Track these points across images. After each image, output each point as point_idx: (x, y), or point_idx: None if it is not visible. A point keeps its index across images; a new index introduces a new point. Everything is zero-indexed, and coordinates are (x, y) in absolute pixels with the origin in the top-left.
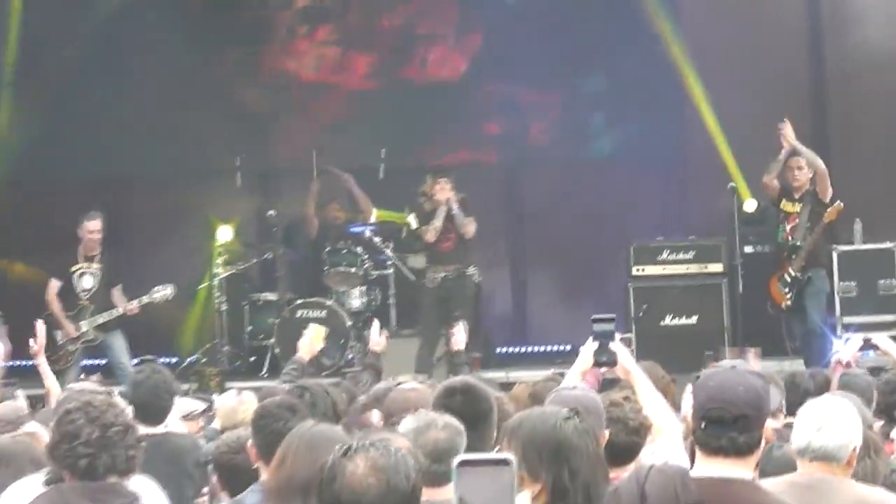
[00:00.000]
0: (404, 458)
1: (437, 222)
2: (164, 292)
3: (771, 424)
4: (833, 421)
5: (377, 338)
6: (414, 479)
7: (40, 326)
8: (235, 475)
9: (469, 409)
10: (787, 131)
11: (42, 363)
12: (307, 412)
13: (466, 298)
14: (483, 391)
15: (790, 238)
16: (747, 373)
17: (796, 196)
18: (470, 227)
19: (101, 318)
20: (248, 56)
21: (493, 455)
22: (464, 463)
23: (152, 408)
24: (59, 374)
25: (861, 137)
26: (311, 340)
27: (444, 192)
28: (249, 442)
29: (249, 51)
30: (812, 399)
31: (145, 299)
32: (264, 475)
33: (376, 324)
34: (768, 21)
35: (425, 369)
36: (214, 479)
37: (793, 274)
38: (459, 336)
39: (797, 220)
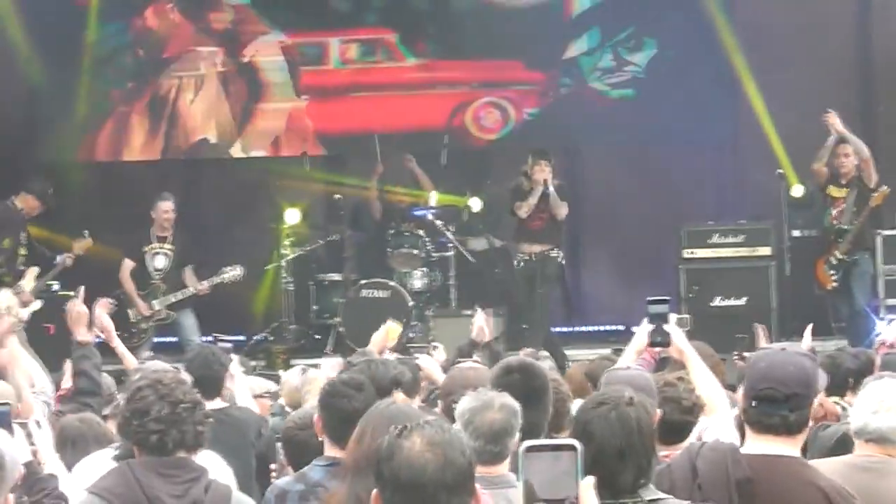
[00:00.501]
0: (458, 435)
1: (532, 200)
2: (233, 273)
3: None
4: (890, 403)
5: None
6: (469, 455)
7: (100, 311)
8: (302, 451)
9: (525, 386)
10: (834, 120)
11: (118, 345)
12: (373, 389)
13: (549, 278)
14: (539, 369)
15: (836, 222)
16: (797, 353)
17: (843, 181)
18: (562, 210)
19: (173, 298)
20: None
21: (558, 441)
22: (531, 448)
23: (206, 380)
24: (132, 352)
25: None
26: (386, 336)
27: (542, 172)
28: (315, 416)
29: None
30: (856, 378)
31: (216, 280)
32: (329, 450)
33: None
34: (816, 7)
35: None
36: (282, 454)
37: (839, 257)
38: (479, 325)
39: (843, 205)
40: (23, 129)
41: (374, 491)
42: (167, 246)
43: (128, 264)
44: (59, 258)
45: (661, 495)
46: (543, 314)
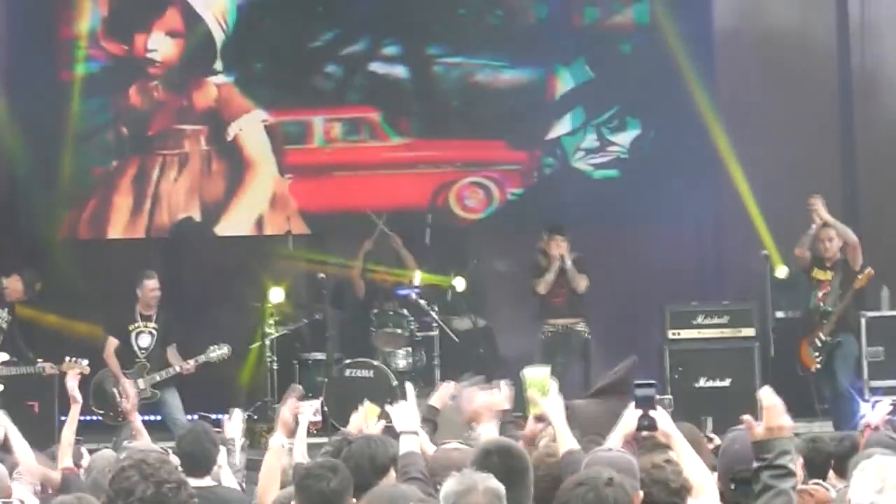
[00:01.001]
0: None
1: (550, 276)
2: (219, 352)
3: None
4: (894, 481)
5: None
6: None
7: (130, 387)
8: None
9: (506, 468)
10: (818, 205)
11: (136, 420)
12: (348, 472)
13: (572, 351)
14: (519, 450)
15: (822, 304)
16: None
17: (828, 265)
18: (581, 283)
19: (158, 377)
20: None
21: None
22: None
23: (197, 458)
24: (114, 430)
25: (890, 207)
26: (365, 418)
27: (558, 248)
28: (293, 502)
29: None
30: (838, 461)
31: (202, 359)
32: None
33: (409, 387)
34: (799, 87)
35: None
36: None
37: (823, 338)
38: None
39: (829, 288)
40: (4, 205)
41: None
42: (151, 325)
43: (112, 342)
44: (39, 366)
45: None
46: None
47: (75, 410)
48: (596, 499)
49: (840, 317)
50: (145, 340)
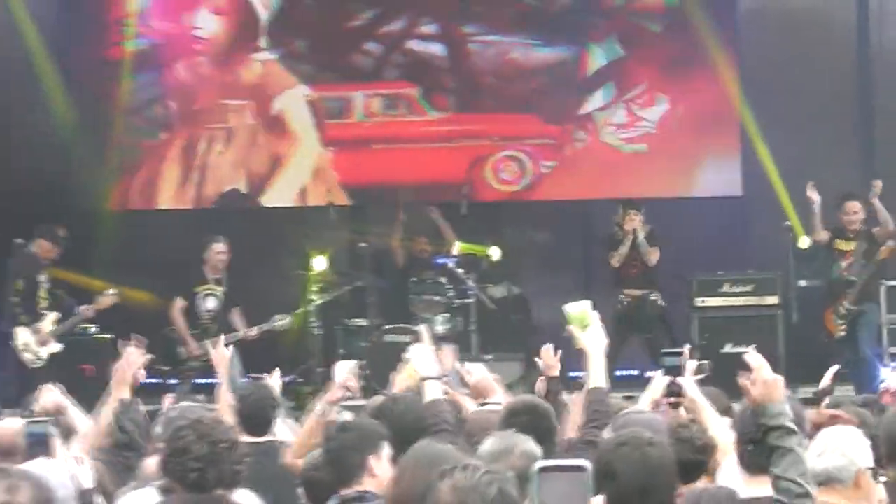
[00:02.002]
0: (487, 482)
1: (624, 249)
2: (283, 321)
3: None
4: (833, 445)
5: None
6: (493, 499)
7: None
8: (316, 490)
9: (533, 427)
10: (812, 193)
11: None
12: (387, 432)
13: (646, 320)
14: (546, 410)
15: (846, 273)
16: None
17: (850, 235)
18: (653, 256)
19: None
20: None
21: (570, 461)
22: (543, 469)
23: (257, 419)
24: (176, 389)
25: None
26: (407, 376)
27: (632, 222)
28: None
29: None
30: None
31: (265, 327)
32: (343, 489)
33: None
34: (820, 64)
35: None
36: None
37: (847, 307)
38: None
39: (852, 258)
40: (57, 177)
41: None
42: (220, 288)
43: (179, 303)
44: (79, 309)
45: None
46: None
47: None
48: (641, 458)
49: (863, 287)
50: (212, 303)
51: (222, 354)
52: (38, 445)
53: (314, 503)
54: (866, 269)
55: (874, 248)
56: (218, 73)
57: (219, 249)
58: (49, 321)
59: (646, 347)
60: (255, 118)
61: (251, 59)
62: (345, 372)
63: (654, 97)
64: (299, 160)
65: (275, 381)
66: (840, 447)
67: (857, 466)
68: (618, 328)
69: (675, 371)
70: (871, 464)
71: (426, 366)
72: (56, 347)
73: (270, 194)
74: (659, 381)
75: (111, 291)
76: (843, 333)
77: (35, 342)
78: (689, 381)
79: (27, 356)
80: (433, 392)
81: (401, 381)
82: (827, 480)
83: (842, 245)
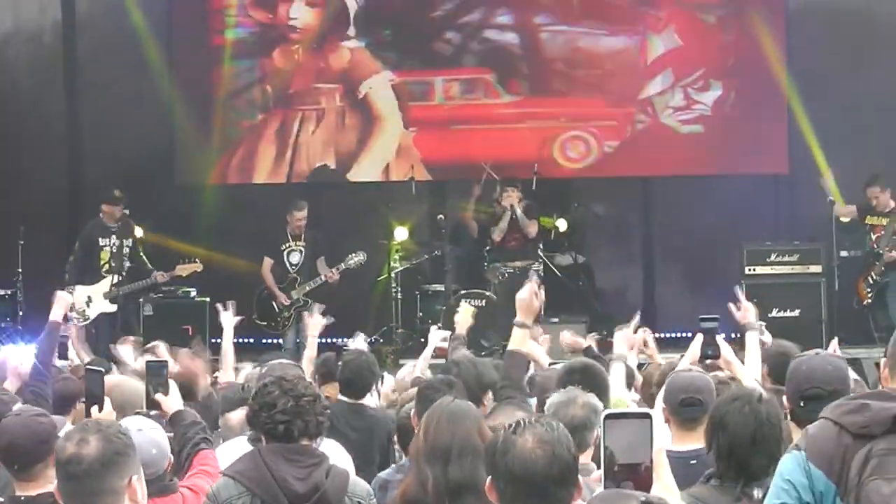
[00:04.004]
0: (564, 433)
1: (503, 224)
2: (357, 258)
3: None
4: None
5: None
6: (574, 451)
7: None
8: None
9: (587, 384)
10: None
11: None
12: (462, 387)
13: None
14: (600, 371)
15: (875, 246)
16: (829, 355)
17: (881, 210)
18: (532, 228)
19: (308, 286)
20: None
21: (634, 410)
22: (611, 416)
23: (356, 384)
24: (281, 337)
25: None
26: (467, 316)
27: (509, 198)
28: (412, 411)
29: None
30: None
31: (342, 266)
32: None
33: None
34: (863, 52)
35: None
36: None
37: (875, 277)
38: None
39: (882, 231)
40: (163, 155)
41: (489, 479)
42: (300, 243)
43: (268, 262)
44: (154, 274)
45: None
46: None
47: (226, 320)
48: (751, 412)
49: (890, 259)
50: (295, 257)
51: (317, 321)
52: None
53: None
54: (892, 242)
55: None
56: (310, 59)
57: (299, 216)
58: (105, 283)
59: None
60: (344, 101)
61: (341, 47)
62: (437, 338)
63: (708, 83)
64: (384, 139)
65: (357, 342)
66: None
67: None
68: (502, 297)
69: (712, 333)
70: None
71: (524, 312)
72: (107, 308)
73: (357, 170)
74: (697, 343)
75: (194, 261)
76: (870, 300)
77: (84, 302)
78: (724, 343)
79: (71, 314)
80: (517, 342)
81: (462, 321)
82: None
83: (872, 220)
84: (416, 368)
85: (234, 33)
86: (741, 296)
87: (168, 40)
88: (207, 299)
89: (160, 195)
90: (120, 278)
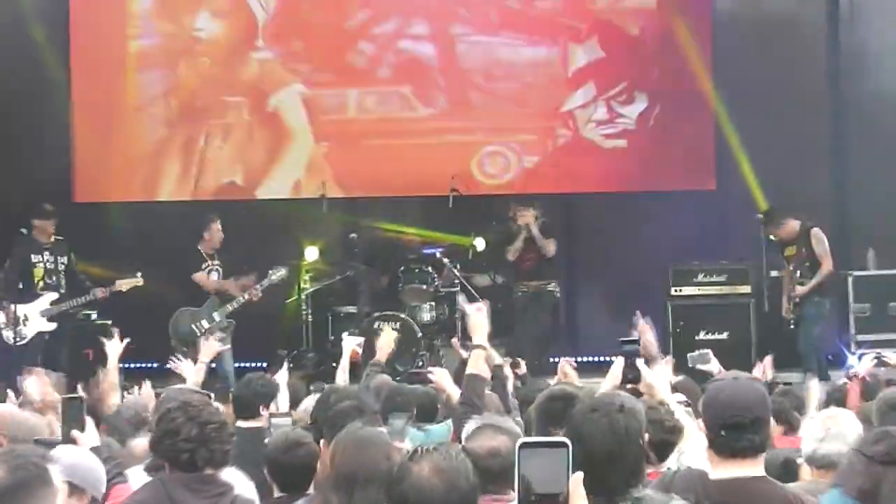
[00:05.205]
0: (464, 462)
1: (518, 243)
2: (279, 273)
3: None
4: (836, 431)
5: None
6: (473, 481)
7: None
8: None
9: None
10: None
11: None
12: (374, 414)
13: (541, 310)
14: (580, 398)
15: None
16: (748, 379)
17: (789, 240)
18: (550, 247)
19: (232, 306)
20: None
21: (550, 438)
22: (525, 445)
23: (249, 405)
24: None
25: (876, 174)
26: (386, 343)
27: (524, 218)
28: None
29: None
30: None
31: (265, 283)
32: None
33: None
34: (791, 62)
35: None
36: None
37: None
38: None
39: (795, 262)
40: (64, 172)
41: None
42: (216, 262)
43: (201, 275)
44: (95, 291)
45: (648, 492)
46: (544, 343)
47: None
48: (608, 424)
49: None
50: (215, 277)
51: (211, 347)
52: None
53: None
54: (800, 277)
55: (814, 264)
56: (217, 71)
57: (217, 228)
58: (44, 301)
59: (540, 336)
60: (253, 115)
61: (249, 59)
62: (352, 343)
63: (632, 95)
64: (294, 155)
65: (282, 375)
66: (841, 433)
67: None
68: (518, 317)
69: (632, 357)
70: None
71: (477, 333)
72: (45, 326)
73: (266, 187)
74: (618, 366)
75: (138, 275)
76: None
77: (13, 321)
78: (644, 367)
79: (7, 333)
80: (476, 362)
81: (383, 346)
82: (827, 465)
83: (789, 251)
84: (337, 378)
85: (138, 45)
86: (640, 322)
87: (66, 53)
88: (109, 322)
89: (60, 213)
90: (58, 296)
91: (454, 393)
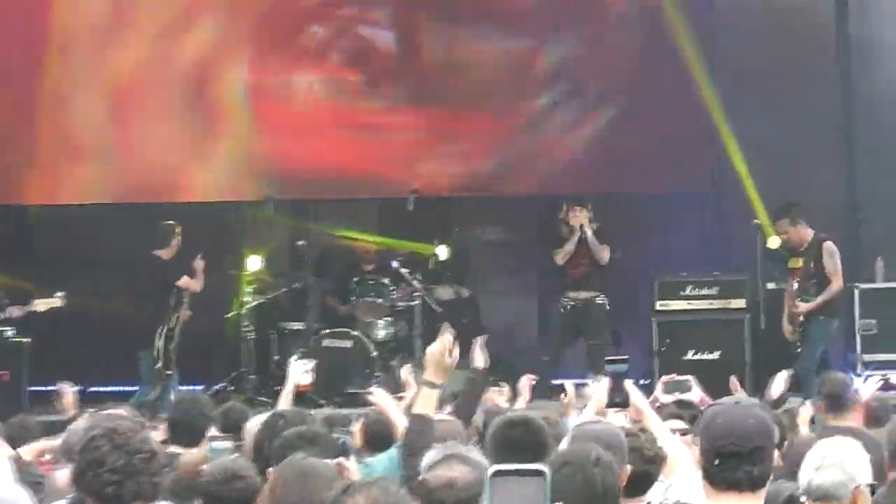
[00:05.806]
0: (403, 495)
1: (569, 246)
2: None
3: None
4: (832, 460)
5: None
6: None
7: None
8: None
9: (529, 440)
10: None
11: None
12: (329, 444)
13: (591, 325)
14: (540, 424)
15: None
16: (752, 406)
17: (797, 249)
18: (604, 254)
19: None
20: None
21: (525, 466)
22: (498, 473)
23: (187, 429)
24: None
25: (887, 178)
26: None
27: (577, 218)
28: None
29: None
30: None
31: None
32: None
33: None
34: (796, 58)
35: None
36: None
37: (794, 336)
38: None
39: (798, 278)
40: None
41: None
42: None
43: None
44: (9, 309)
45: None
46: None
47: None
48: (584, 480)
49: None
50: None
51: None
52: None
53: None
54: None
55: (820, 271)
56: (152, 54)
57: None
58: None
59: (589, 354)
60: (188, 102)
61: (187, 40)
62: (300, 370)
63: (612, 92)
64: (235, 149)
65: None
66: (839, 462)
67: (857, 483)
68: (561, 333)
69: (620, 378)
70: (871, 479)
71: (433, 369)
72: None
73: (202, 186)
74: (603, 388)
75: (58, 295)
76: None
77: None
78: (633, 389)
79: None
80: (425, 402)
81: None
82: (823, 496)
83: (794, 263)
84: (279, 404)
85: (62, 24)
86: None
87: None
88: (28, 340)
89: None
90: None
91: (397, 418)
